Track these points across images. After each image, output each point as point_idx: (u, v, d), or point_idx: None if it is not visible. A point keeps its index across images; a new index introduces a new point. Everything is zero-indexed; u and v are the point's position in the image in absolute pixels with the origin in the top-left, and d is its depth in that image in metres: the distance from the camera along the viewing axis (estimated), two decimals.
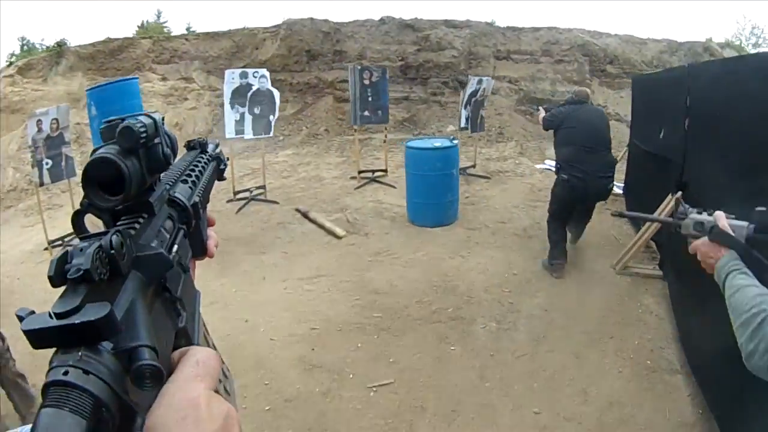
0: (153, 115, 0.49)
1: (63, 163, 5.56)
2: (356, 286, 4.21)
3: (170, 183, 0.59)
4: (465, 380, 3.09)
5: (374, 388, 2.97)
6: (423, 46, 11.14)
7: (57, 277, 0.35)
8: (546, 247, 4.60)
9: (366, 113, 7.15)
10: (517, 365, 3.25)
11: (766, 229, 1.24)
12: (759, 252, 1.23)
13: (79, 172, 7.23)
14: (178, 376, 0.40)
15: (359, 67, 7.15)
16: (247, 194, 6.60)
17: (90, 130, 5.64)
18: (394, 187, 7.05)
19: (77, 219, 0.46)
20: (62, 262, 0.35)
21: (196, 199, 0.62)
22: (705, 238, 1.32)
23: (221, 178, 0.81)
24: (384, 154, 7.50)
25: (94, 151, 0.44)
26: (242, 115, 6.40)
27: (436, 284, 4.24)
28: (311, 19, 11.53)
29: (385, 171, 7.32)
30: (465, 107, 7.02)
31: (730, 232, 1.26)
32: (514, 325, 3.71)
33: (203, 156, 0.74)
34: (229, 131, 6.36)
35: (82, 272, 0.34)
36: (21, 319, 0.33)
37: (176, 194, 0.58)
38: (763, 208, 1.25)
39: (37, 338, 0.32)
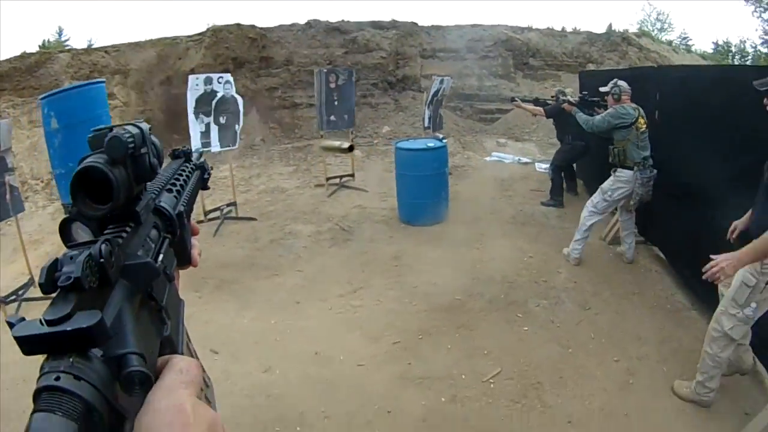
0: (140, 124, 0.51)
1: (8, 196, 4.55)
2: (404, 292, 4.37)
3: (156, 192, 0.61)
4: (552, 352, 3.51)
5: (491, 381, 3.22)
6: (350, 49, 11.55)
7: (47, 285, 0.36)
8: (541, 232, 5.46)
9: (332, 118, 7.17)
10: (581, 330, 3.78)
11: None
12: None
13: (26, 205, 6.04)
14: (163, 384, 0.42)
15: (325, 70, 7.18)
16: (218, 213, 6.30)
17: (47, 146, 4.64)
18: (365, 190, 7.27)
19: (65, 227, 0.47)
20: (52, 270, 0.37)
21: (181, 208, 0.64)
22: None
23: (205, 188, 0.83)
24: (351, 159, 7.65)
25: (82, 159, 0.46)
26: (207, 125, 6.03)
27: (474, 276, 4.60)
28: (238, 25, 11.39)
29: (352, 175, 7.49)
30: (428, 107, 7.40)
31: None
32: (559, 299, 4.21)
33: (187, 165, 0.77)
34: (195, 144, 5.91)
35: (72, 280, 0.36)
36: (11, 325, 0.35)
37: (161, 203, 0.60)
38: None
39: (29, 345, 0.34)
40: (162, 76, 11.08)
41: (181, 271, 0.67)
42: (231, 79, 6.27)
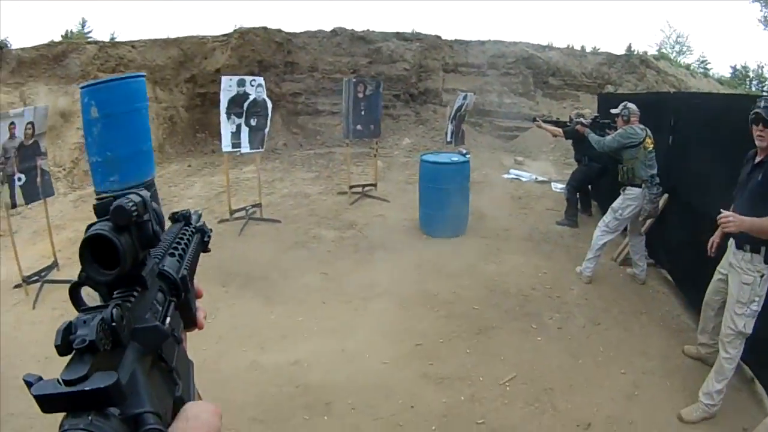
0: (141, 192, 0.54)
1: (38, 179, 4.77)
2: (426, 299, 4.69)
3: (159, 256, 0.64)
4: (563, 361, 3.85)
5: (506, 384, 3.55)
6: (375, 59, 11.79)
7: (63, 347, 0.40)
8: (555, 250, 5.82)
9: (359, 127, 7.42)
10: (591, 342, 4.11)
11: None
12: None
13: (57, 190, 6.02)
14: None
15: (354, 80, 7.45)
16: (243, 213, 6.56)
17: (85, 135, 4.72)
18: (387, 200, 7.61)
19: (74, 292, 0.50)
20: (67, 332, 0.40)
21: (184, 272, 0.67)
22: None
23: (206, 250, 0.85)
24: (374, 169, 8.01)
25: (89, 226, 0.49)
26: (238, 126, 6.24)
27: (491, 288, 4.94)
28: (265, 28, 11.54)
29: (375, 185, 7.80)
30: (451, 121, 7.74)
31: None
32: (571, 313, 4.54)
33: (188, 228, 0.80)
34: (226, 144, 6.19)
35: (87, 343, 0.39)
36: (29, 384, 0.38)
37: (165, 268, 0.63)
38: None
39: (48, 403, 0.37)
40: (187, 74, 11.28)
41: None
42: (263, 82, 6.49)
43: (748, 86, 25.06)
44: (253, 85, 6.31)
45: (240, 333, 4.03)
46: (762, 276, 2.93)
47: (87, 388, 0.37)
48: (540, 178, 9.18)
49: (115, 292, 0.52)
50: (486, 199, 7.79)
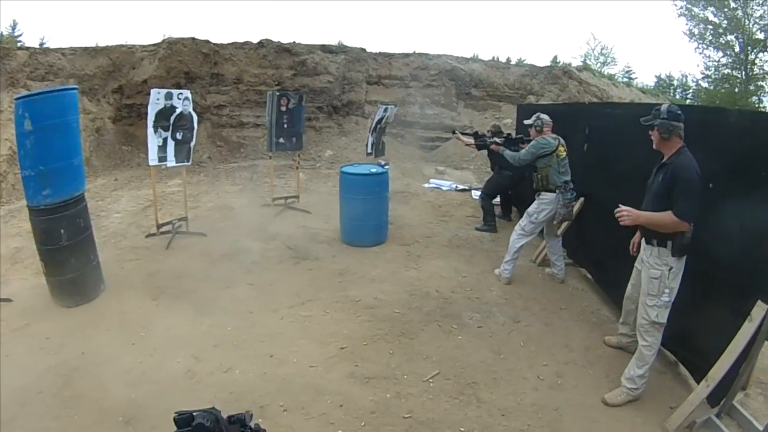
0: (215, 412, 0.65)
1: None
2: (349, 305, 4.71)
3: None
4: (485, 357, 3.96)
5: (430, 381, 3.61)
6: (299, 71, 11.97)
7: None
8: (475, 254, 6.09)
9: (281, 140, 7.53)
10: (512, 339, 4.27)
11: None
12: None
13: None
14: None
15: (277, 93, 7.48)
16: (169, 227, 6.46)
17: (18, 147, 4.53)
18: (309, 212, 7.69)
19: None
20: None
21: None
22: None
23: None
24: (296, 181, 8.04)
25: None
26: (165, 140, 6.18)
27: (412, 293, 5.02)
28: (193, 39, 11.58)
29: (297, 197, 7.88)
30: (371, 133, 7.87)
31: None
32: (491, 312, 4.70)
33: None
34: (152, 158, 6.10)
35: None
36: None
37: None
38: None
39: None
40: (115, 84, 11.17)
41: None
42: (189, 95, 6.50)
43: (671, 94, 27.55)
44: (180, 99, 6.32)
45: (173, 344, 3.98)
46: (670, 269, 3.16)
47: None
48: (460, 187, 9.53)
49: None
50: (407, 208, 7.96)
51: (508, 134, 6.00)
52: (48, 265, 4.47)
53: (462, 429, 3.12)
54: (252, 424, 0.91)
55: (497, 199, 7.79)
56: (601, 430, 3.17)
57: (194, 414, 0.62)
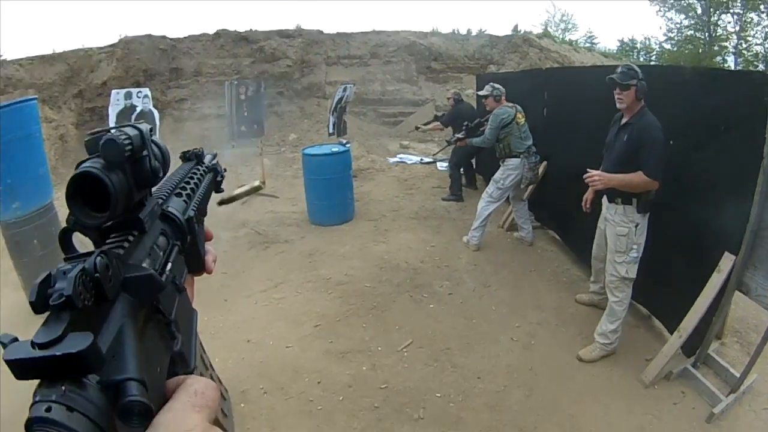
0: (139, 125, 0.50)
1: None
2: (320, 284, 4.74)
3: (163, 197, 0.60)
4: (458, 323, 4.05)
5: (404, 350, 3.68)
6: (257, 58, 11.88)
7: (39, 303, 0.35)
8: (442, 225, 6.17)
9: (243, 128, 7.50)
10: (483, 303, 4.37)
11: None
12: None
13: None
14: (175, 406, 0.41)
15: (235, 83, 7.43)
16: None
17: None
18: (276, 196, 7.66)
19: (64, 237, 0.45)
20: (45, 286, 0.35)
21: (191, 213, 0.63)
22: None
23: (219, 190, 0.82)
24: (261, 168, 7.92)
25: (79, 164, 0.44)
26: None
27: (381, 266, 5.06)
28: (149, 35, 11.59)
29: (263, 183, 7.83)
30: (332, 113, 7.82)
31: None
32: (461, 279, 4.79)
33: (199, 167, 0.76)
34: None
35: (64, 298, 0.34)
36: (3, 345, 0.34)
37: (170, 209, 0.59)
38: None
39: (20, 369, 0.32)
40: (75, 90, 11.10)
41: None
42: (149, 93, 6.50)
43: (635, 57, 27.66)
44: (139, 97, 6.38)
45: None
46: (637, 225, 3.25)
47: (58, 353, 0.32)
48: (426, 159, 9.58)
49: (108, 238, 0.47)
50: (372, 184, 7.97)
51: (466, 124, 6.01)
52: (25, 278, 4.41)
53: (438, 394, 3.20)
54: (211, 163, 0.81)
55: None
56: (578, 385, 3.27)
57: (109, 129, 0.46)
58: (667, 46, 26.81)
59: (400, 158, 9.60)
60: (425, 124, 7.65)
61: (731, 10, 23.88)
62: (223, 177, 0.84)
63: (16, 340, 0.34)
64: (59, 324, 0.33)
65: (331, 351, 3.69)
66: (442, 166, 8.79)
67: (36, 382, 0.33)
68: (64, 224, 0.46)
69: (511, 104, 5.20)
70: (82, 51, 11.64)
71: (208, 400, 0.43)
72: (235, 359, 3.64)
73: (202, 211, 0.69)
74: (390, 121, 12.57)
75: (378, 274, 4.88)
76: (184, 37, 12.27)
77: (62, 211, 6.45)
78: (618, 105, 3.23)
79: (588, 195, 3.68)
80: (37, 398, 0.32)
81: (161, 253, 0.52)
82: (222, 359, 3.63)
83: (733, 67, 23.07)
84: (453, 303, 4.35)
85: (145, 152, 0.49)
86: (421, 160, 9.52)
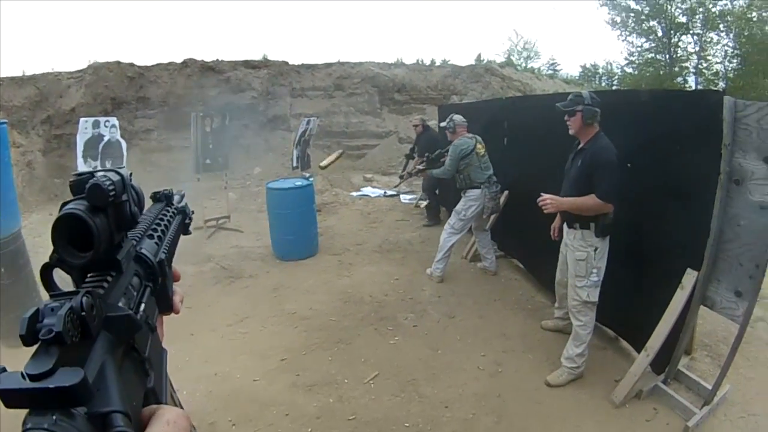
0: (121, 171, 0.53)
1: None
2: (285, 318, 4.74)
3: (137, 238, 0.63)
4: (424, 354, 4.10)
5: (371, 382, 3.70)
6: (223, 89, 11.97)
7: (28, 336, 0.37)
8: (406, 257, 6.29)
9: (208, 161, 7.53)
10: (448, 334, 4.43)
11: None
12: None
13: None
14: None
15: (201, 114, 7.44)
16: None
17: None
18: (241, 231, 7.68)
19: (46, 274, 0.48)
20: (33, 320, 0.38)
21: (162, 255, 0.65)
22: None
23: (186, 233, 0.84)
24: (226, 202, 7.97)
25: (63, 204, 0.48)
26: (94, 168, 5.99)
27: (346, 300, 5.11)
28: (118, 62, 11.59)
29: (228, 217, 7.86)
30: (296, 147, 7.90)
31: None
32: (425, 311, 4.87)
33: (169, 209, 0.79)
34: None
35: (54, 334, 0.37)
36: None
37: (143, 251, 0.62)
38: None
39: (10, 399, 0.35)
40: (43, 115, 10.97)
41: None
42: (116, 122, 6.45)
43: (597, 83, 28.52)
44: (107, 126, 6.32)
45: None
46: (596, 249, 3.34)
47: (51, 386, 0.35)
48: (389, 192, 9.75)
49: (88, 276, 0.49)
50: (336, 218, 8.06)
51: (427, 155, 6.20)
52: None
53: (407, 424, 3.22)
54: (180, 205, 0.84)
55: (424, 203, 8.07)
56: (547, 410, 3.32)
57: (93, 173, 0.50)
58: (629, 70, 27.49)
59: (364, 192, 9.74)
60: (410, 174, 7.71)
61: (691, 31, 24.59)
62: (191, 219, 0.87)
63: (4, 370, 0.37)
64: (49, 358, 0.36)
65: (297, 384, 3.68)
66: (405, 198, 8.95)
67: (23, 411, 0.36)
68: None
69: (470, 135, 5.36)
70: (52, 75, 11.57)
71: (180, 429, 0.46)
72: (202, 392, 3.60)
73: (171, 253, 0.72)
74: (354, 153, 12.72)
75: (342, 308, 4.92)
76: (152, 65, 12.31)
77: (28, 240, 6.31)
78: (570, 131, 3.40)
79: (555, 224, 3.83)
80: (29, 426, 0.34)
81: (135, 293, 0.55)
82: (189, 392, 3.59)
83: (693, 87, 23.99)
84: (418, 335, 4.40)
85: (125, 197, 0.53)
86: (385, 193, 9.68)
